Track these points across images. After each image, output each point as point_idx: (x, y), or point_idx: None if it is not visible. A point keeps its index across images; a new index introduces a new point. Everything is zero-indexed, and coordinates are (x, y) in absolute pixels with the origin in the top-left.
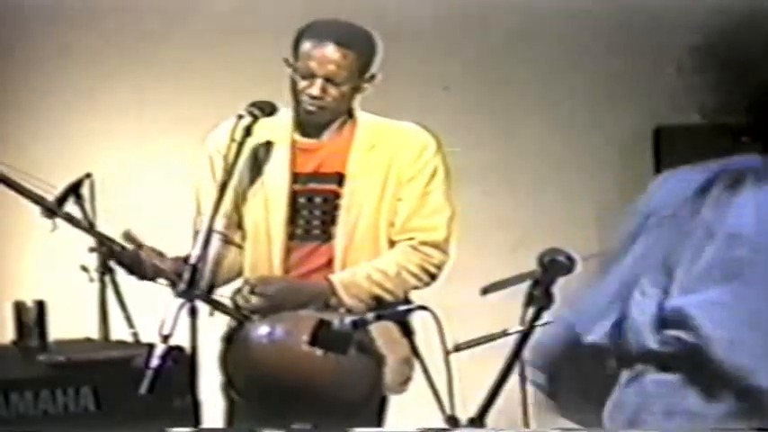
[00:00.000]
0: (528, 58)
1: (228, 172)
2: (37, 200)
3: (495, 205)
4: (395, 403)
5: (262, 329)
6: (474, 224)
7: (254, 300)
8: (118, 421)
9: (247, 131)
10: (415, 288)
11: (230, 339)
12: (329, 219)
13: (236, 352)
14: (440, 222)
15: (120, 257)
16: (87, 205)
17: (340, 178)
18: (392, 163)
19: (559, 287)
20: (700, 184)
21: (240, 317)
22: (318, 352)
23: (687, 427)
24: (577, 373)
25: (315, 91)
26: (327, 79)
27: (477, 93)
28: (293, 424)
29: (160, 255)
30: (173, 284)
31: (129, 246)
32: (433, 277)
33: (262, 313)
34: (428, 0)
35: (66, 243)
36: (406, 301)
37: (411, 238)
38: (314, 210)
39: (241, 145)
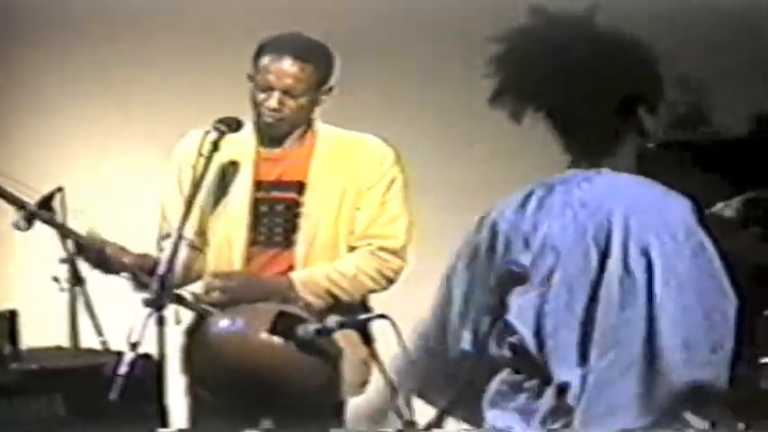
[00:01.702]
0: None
1: (196, 185)
2: (19, 203)
3: (453, 215)
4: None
5: (222, 322)
6: (433, 233)
7: (216, 294)
8: (88, 427)
9: (215, 146)
10: (372, 291)
11: (192, 332)
12: (290, 226)
13: (197, 344)
14: (398, 230)
15: (87, 252)
16: (59, 218)
17: (301, 187)
18: (352, 173)
19: None
20: (519, 201)
21: (202, 311)
22: (277, 341)
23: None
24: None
25: (273, 103)
26: (285, 92)
27: (436, 106)
28: (254, 414)
29: (124, 250)
30: (135, 279)
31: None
32: (390, 282)
33: (223, 306)
34: (387, 14)
35: (37, 255)
36: (364, 305)
37: (370, 244)
38: (275, 217)
39: (209, 159)
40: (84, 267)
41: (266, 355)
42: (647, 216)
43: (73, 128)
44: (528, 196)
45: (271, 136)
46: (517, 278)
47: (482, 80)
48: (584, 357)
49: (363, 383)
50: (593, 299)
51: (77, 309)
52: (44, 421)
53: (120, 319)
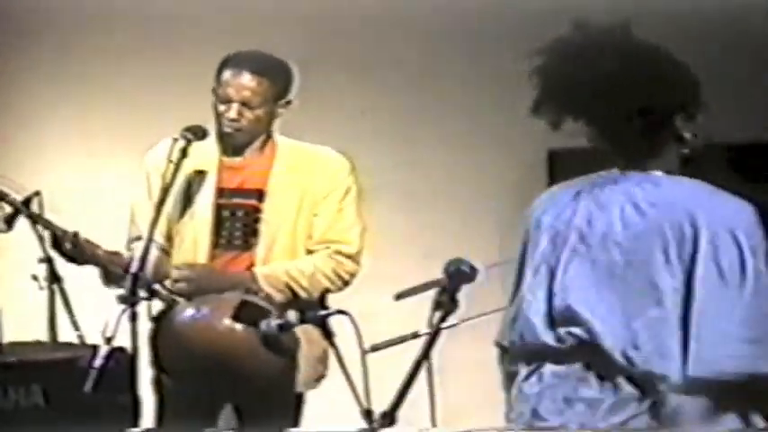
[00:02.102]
0: (438, 88)
1: (165, 190)
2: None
3: (407, 220)
4: (315, 401)
5: (188, 310)
6: (388, 237)
7: (182, 284)
8: (66, 416)
9: (183, 153)
10: (328, 290)
11: (159, 320)
12: (250, 230)
13: (163, 330)
14: (353, 236)
15: (62, 241)
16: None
17: (260, 194)
18: (309, 182)
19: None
20: (570, 197)
21: (171, 301)
22: (239, 328)
23: (585, 411)
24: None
25: (232, 114)
26: (243, 103)
27: (391, 119)
28: (213, 399)
29: (95, 246)
30: (106, 272)
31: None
32: (345, 283)
33: (189, 296)
34: (343, 32)
35: (18, 255)
36: (322, 303)
37: (327, 248)
38: (236, 222)
39: (177, 166)
40: (60, 266)
41: (227, 340)
42: (727, 217)
43: (49, 133)
44: (575, 193)
45: (232, 145)
46: (467, 278)
47: (432, 98)
48: (683, 352)
49: (319, 378)
50: (685, 296)
51: (55, 305)
52: (23, 411)
53: (96, 315)
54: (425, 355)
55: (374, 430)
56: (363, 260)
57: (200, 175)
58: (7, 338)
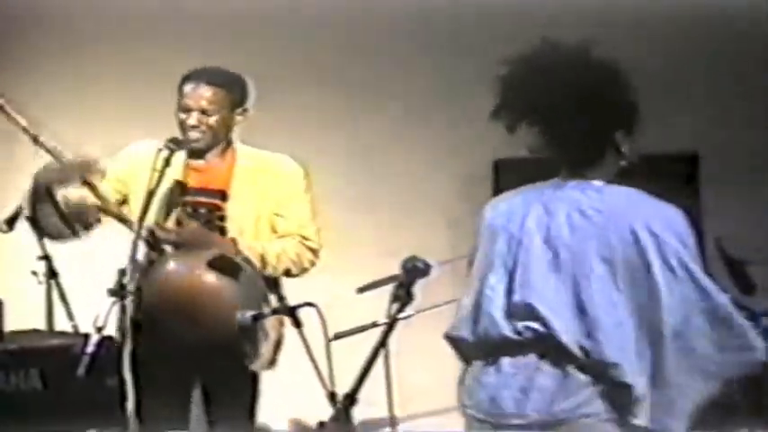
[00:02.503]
0: (395, 99)
1: (150, 195)
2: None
3: (368, 220)
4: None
5: (170, 261)
6: (349, 236)
7: (173, 235)
8: (60, 397)
9: (167, 162)
10: (288, 272)
11: (145, 271)
12: (211, 226)
13: (149, 279)
14: (311, 233)
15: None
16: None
17: (223, 195)
18: (268, 185)
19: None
20: (521, 202)
21: (159, 250)
22: (211, 279)
23: (540, 399)
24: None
25: (192, 121)
26: (202, 111)
27: (351, 128)
28: (184, 372)
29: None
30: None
31: None
32: (304, 270)
33: (176, 246)
34: (300, 47)
35: (19, 253)
36: (278, 290)
37: (294, 238)
38: (199, 218)
39: (162, 173)
40: (57, 263)
41: (197, 289)
42: (664, 221)
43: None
44: (525, 199)
45: (194, 149)
46: (422, 273)
47: (387, 108)
48: (637, 339)
49: (272, 362)
50: (637, 291)
51: (52, 298)
52: (23, 393)
53: (88, 307)
54: (383, 342)
55: (339, 410)
56: (327, 257)
57: (169, 175)
58: (8, 327)
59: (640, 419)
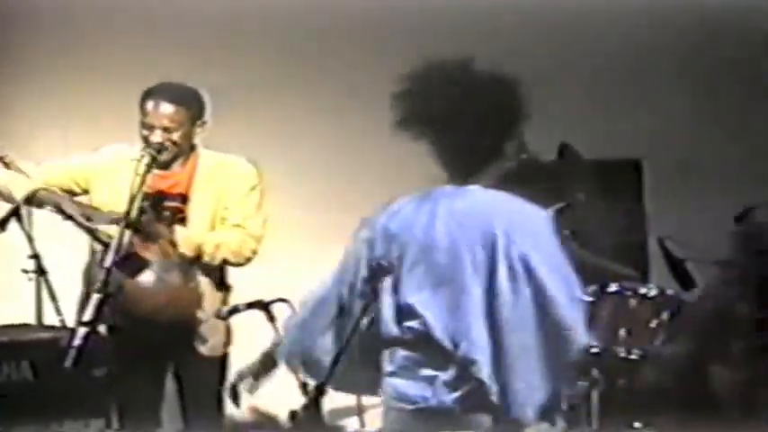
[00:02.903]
0: (356, 108)
1: (133, 199)
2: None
3: (344, 222)
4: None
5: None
6: (324, 237)
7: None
8: (50, 386)
9: (149, 168)
10: (226, 261)
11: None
12: (172, 224)
13: (128, 282)
14: (257, 225)
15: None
16: (26, 223)
17: (184, 198)
18: (223, 185)
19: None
20: (412, 207)
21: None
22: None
23: (426, 388)
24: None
25: (156, 138)
26: (164, 129)
27: (296, 133)
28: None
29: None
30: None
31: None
32: (247, 259)
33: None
34: (258, 61)
35: (10, 252)
36: (222, 276)
37: (236, 227)
38: (163, 220)
39: (144, 178)
40: (46, 262)
41: (168, 288)
42: (520, 222)
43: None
44: (415, 205)
45: (159, 162)
46: (386, 271)
47: (354, 115)
48: (489, 336)
49: (226, 346)
50: (489, 291)
51: (41, 294)
52: (15, 384)
53: (75, 303)
54: (351, 336)
55: (311, 400)
56: (301, 255)
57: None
58: (0, 322)
59: (497, 411)
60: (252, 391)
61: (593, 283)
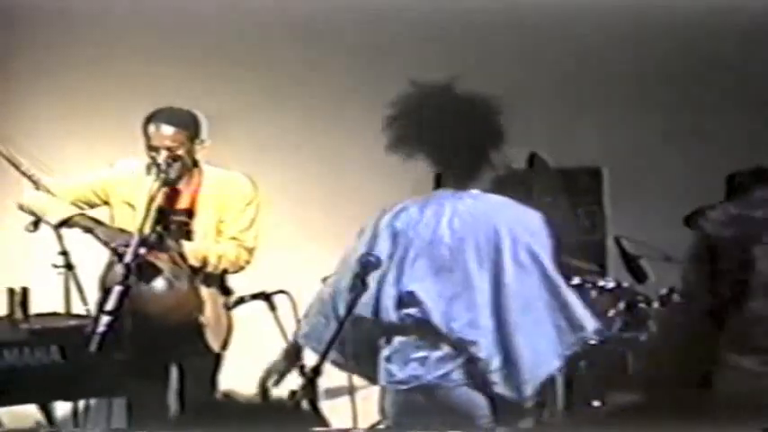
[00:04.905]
0: (346, 115)
1: (148, 209)
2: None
3: (337, 223)
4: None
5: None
6: (320, 237)
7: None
8: (76, 368)
9: (165, 181)
10: (225, 270)
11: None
12: (179, 237)
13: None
14: (251, 237)
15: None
16: None
17: (189, 213)
18: (224, 199)
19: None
20: (418, 208)
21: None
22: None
23: (418, 367)
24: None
25: (160, 160)
26: (168, 148)
27: (290, 149)
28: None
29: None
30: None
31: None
32: (241, 268)
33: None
34: (251, 81)
35: (42, 249)
36: (222, 281)
37: (234, 239)
38: (171, 234)
39: (157, 191)
40: (74, 258)
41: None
42: (520, 219)
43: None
44: (421, 205)
45: (168, 180)
46: (374, 266)
47: (344, 121)
48: (494, 319)
49: (225, 343)
50: (495, 278)
51: (70, 286)
52: (45, 366)
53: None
54: (343, 323)
55: (307, 381)
56: (300, 253)
57: (148, 198)
58: (33, 310)
59: (497, 388)
60: (277, 384)
61: None
